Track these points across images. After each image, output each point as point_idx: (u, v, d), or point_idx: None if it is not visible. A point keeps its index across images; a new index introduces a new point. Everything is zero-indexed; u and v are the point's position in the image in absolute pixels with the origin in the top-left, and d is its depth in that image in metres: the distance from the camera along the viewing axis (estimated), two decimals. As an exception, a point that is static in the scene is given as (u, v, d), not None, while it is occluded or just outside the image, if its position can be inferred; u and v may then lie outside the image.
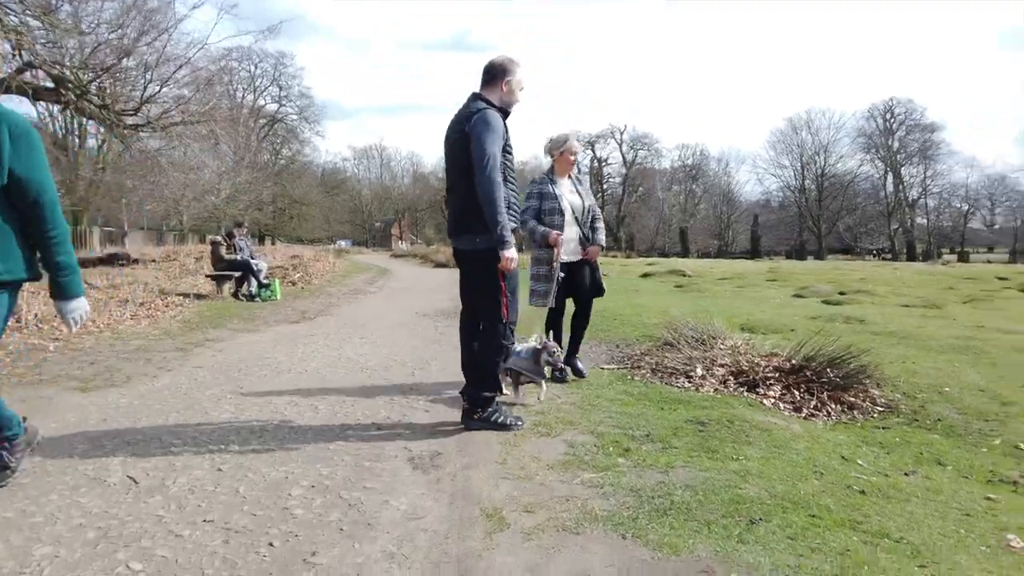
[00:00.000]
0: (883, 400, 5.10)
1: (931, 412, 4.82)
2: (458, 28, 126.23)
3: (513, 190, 3.97)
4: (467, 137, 3.76)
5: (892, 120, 70.75)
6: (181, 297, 11.46)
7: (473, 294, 4.08)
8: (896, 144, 70.43)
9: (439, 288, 15.59)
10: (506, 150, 3.88)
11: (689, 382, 5.49)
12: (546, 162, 5.79)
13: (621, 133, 75.89)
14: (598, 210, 5.58)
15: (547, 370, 4.77)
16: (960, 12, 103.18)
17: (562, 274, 5.22)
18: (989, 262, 51.97)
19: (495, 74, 3.95)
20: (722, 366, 5.68)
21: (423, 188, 78.15)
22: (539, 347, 4.60)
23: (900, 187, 70.24)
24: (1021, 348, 6.95)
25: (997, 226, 74.09)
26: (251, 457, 3.51)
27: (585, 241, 5.35)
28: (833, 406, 4.97)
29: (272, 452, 3.60)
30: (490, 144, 3.70)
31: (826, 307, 11.08)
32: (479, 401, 4.03)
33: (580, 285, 5.41)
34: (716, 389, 5.29)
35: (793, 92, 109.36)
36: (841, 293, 13.07)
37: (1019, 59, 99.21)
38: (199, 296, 12.29)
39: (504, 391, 4.59)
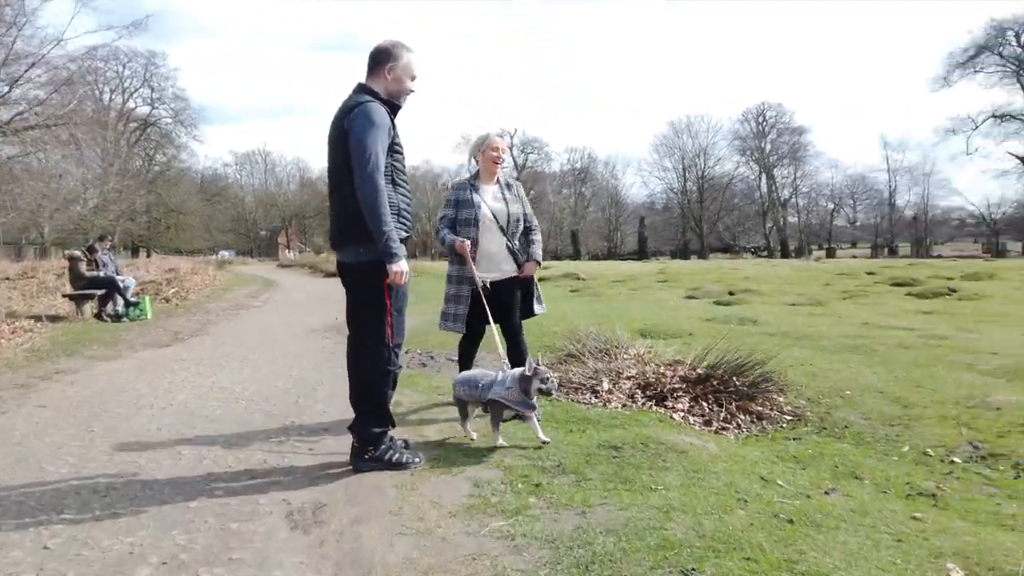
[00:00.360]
0: (789, 408, 5.01)
1: (837, 419, 4.76)
2: (347, 28, 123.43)
3: (404, 195, 3.53)
4: (346, 135, 3.30)
5: (764, 123, 74.78)
6: (32, 321, 10.21)
7: (357, 312, 3.61)
8: (768, 146, 74.49)
9: (329, 300, 14.82)
10: (394, 148, 3.43)
11: (596, 397, 5.22)
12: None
13: (512, 137, 76.46)
14: (534, 220, 4.88)
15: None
16: (826, 18, 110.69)
17: (485, 290, 4.45)
18: (855, 257, 55.83)
19: (379, 60, 3.49)
20: (629, 378, 5.45)
21: (311, 194, 75.53)
22: (528, 373, 3.77)
23: (773, 187, 74.31)
24: (907, 345, 7.15)
25: (859, 223, 79.69)
26: (90, 526, 2.90)
27: (515, 255, 4.68)
28: (742, 417, 4.83)
29: (117, 518, 3.00)
30: (372, 141, 3.25)
31: (718, 308, 11.24)
32: (369, 438, 3.55)
33: (508, 308, 4.65)
34: (624, 404, 5.04)
35: (675, 97, 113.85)
36: (730, 293, 13.35)
37: (877, 68, 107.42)
38: (55, 319, 11.04)
39: (467, 431, 4.03)
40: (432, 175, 73.64)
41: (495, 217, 4.65)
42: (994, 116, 58.85)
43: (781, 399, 5.12)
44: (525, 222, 4.79)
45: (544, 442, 3.87)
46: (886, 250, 70.02)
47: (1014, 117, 57.87)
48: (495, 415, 3.90)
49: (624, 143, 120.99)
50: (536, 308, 4.90)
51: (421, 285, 12.15)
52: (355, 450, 3.59)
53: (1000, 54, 57.56)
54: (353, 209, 3.33)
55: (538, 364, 3.81)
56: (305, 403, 5.21)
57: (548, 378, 3.82)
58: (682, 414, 4.89)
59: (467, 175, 4.90)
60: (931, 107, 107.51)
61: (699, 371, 5.45)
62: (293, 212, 77.14)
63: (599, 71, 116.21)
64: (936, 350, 6.80)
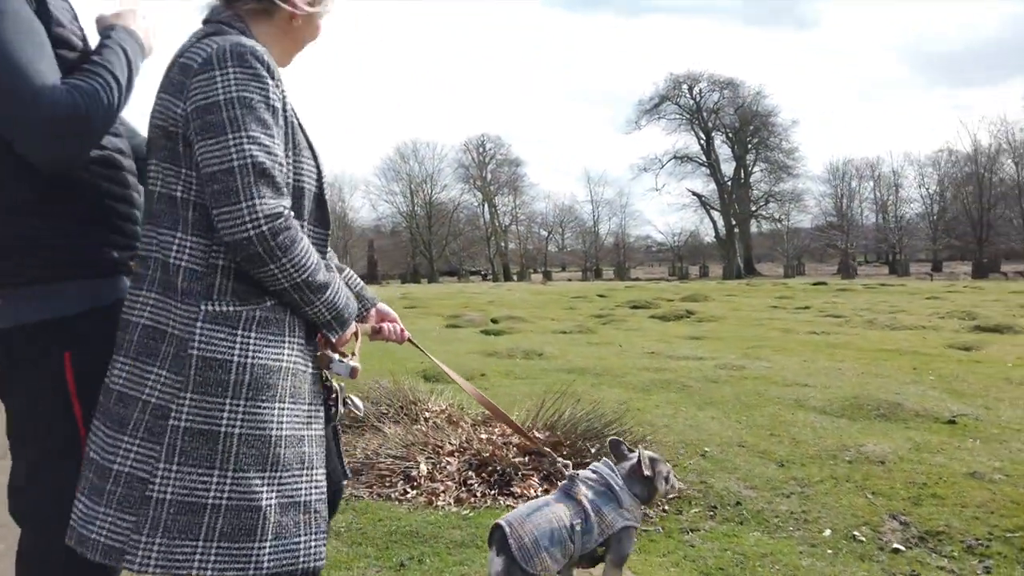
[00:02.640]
0: (663, 479, 3.94)
1: (720, 491, 3.78)
2: None
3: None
4: None
5: (484, 154, 77.91)
6: None
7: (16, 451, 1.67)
8: (489, 176, 77.68)
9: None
10: None
11: (414, 488, 3.69)
12: None
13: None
14: None
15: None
16: (533, 67, 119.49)
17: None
18: (569, 280, 59.92)
19: None
20: (452, 454, 4.00)
21: None
22: (646, 471, 2.30)
23: (495, 215, 77.58)
24: (713, 378, 6.64)
25: (568, 248, 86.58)
26: None
27: None
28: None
29: None
30: None
31: (491, 339, 10.22)
32: None
33: None
34: (458, 497, 3.58)
35: (399, 121, 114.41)
36: (494, 321, 12.49)
37: (582, 110, 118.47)
38: None
39: None
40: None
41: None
42: (675, 157, 67.69)
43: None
44: None
45: None
46: (592, 273, 76.72)
47: (690, 159, 67.15)
48: (621, 554, 2.24)
49: (350, 164, 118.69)
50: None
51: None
52: None
53: (678, 104, 66.56)
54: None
55: (649, 452, 2.36)
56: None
57: (667, 473, 2.38)
58: (535, 503, 3.57)
59: None
60: (626, 147, 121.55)
61: (540, 437, 4.18)
62: None
63: (321, 89, 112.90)
64: (746, 383, 6.34)
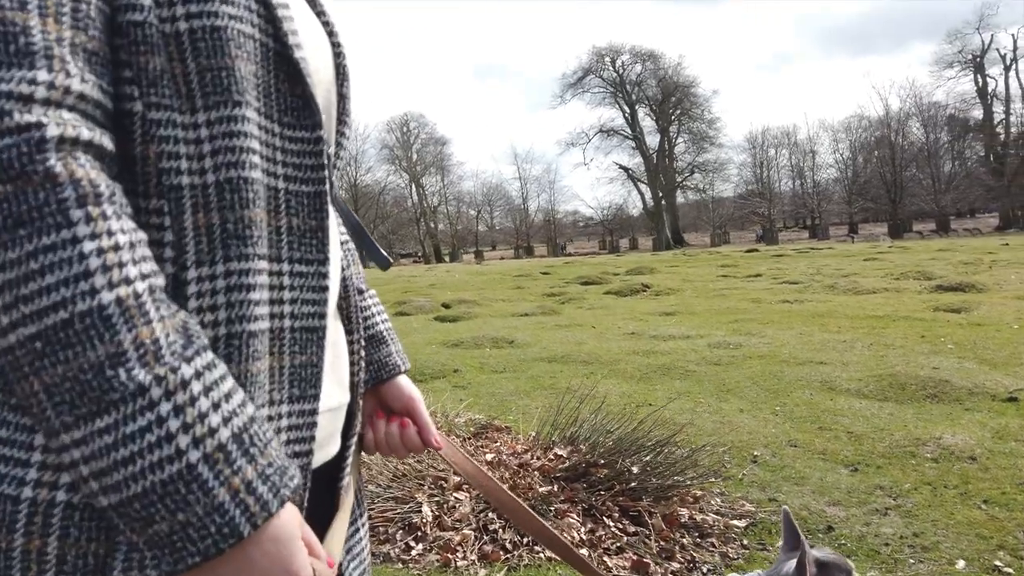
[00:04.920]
0: (727, 504, 3.16)
1: (802, 514, 3.04)
2: None
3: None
4: None
5: (409, 133, 75.99)
6: None
7: None
8: (415, 156, 75.89)
9: None
10: None
11: (419, 541, 2.80)
12: None
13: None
14: None
15: None
16: (452, 43, 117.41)
17: None
18: (502, 259, 59.17)
19: None
20: (461, 487, 3.12)
21: None
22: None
23: (423, 196, 75.95)
24: (714, 360, 5.95)
25: (499, 227, 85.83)
26: None
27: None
28: (680, 540, 2.84)
29: None
30: None
31: (451, 326, 9.31)
32: None
33: None
34: (483, 552, 2.71)
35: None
36: (445, 306, 11.56)
37: (491, 87, 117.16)
38: None
39: None
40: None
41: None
42: (601, 131, 67.61)
43: (699, 490, 3.25)
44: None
45: None
46: (524, 251, 76.27)
47: (616, 132, 67.14)
48: None
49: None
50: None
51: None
52: None
53: (601, 77, 66.28)
54: None
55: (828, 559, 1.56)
56: None
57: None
58: (585, 556, 2.74)
59: None
60: (552, 123, 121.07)
61: (562, 455, 3.35)
62: None
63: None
64: (753, 364, 5.68)
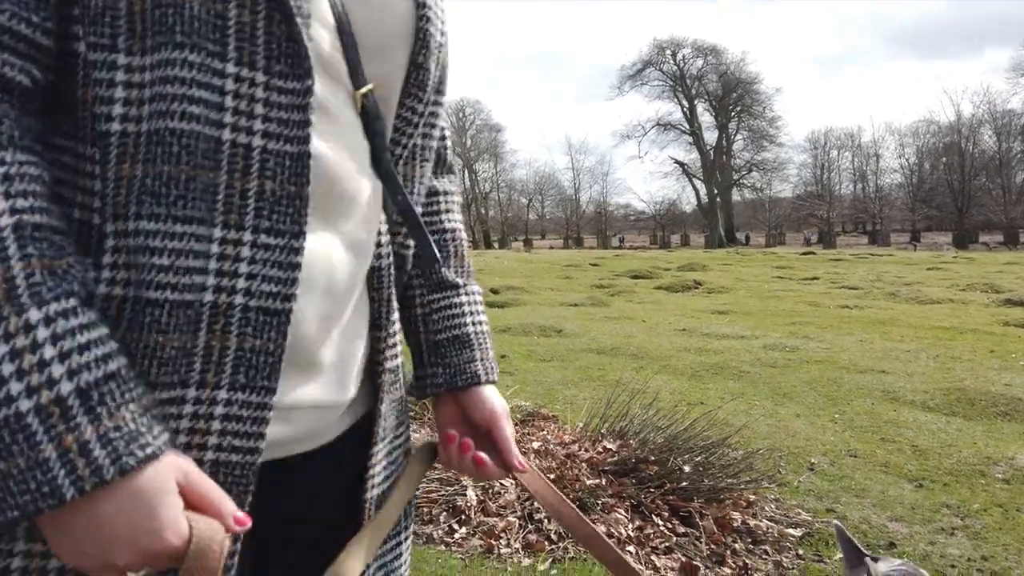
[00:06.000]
0: (782, 512, 3.04)
1: (861, 527, 2.91)
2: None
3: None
4: None
5: (464, 119, 76.19)
6: None
7: None
8: (469, 142, 76.07)
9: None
10: None
11: (462, 524, 2.76)
12: None
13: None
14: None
15: None
16: (512, 31, 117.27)
17: None
18: (551, 248, 59.03)
19: None
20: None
21: None
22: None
23: (475, 181, 76.19)
24: (769, 363, 5.78)
25: (549, 216, 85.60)
26: None
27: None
28: (731, 545, 2.73)
29: None
30: None
31: (498, 311, 9.27)
32: None
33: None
34: (527, 541, 2.65)
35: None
36: (494, 292, 11.53)
37: (550, 72, 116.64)
38: None
39: None
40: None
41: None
42: (658, 125, 66.71)
43: (752, 494, 3.13)
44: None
45: None
46: (573, 241, 75.90)
47: (673, 126, 66.16)
48: None
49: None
50: None
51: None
52: None
53: (661, 70, 65.28)
54: None
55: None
56: None
57: None
58: (624, 542, 2.66)
59: None
60: (608, 115, 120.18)
61: (611, 448, 3.26)
62: None
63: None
64: (811, 369, 5.49)
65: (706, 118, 64.81)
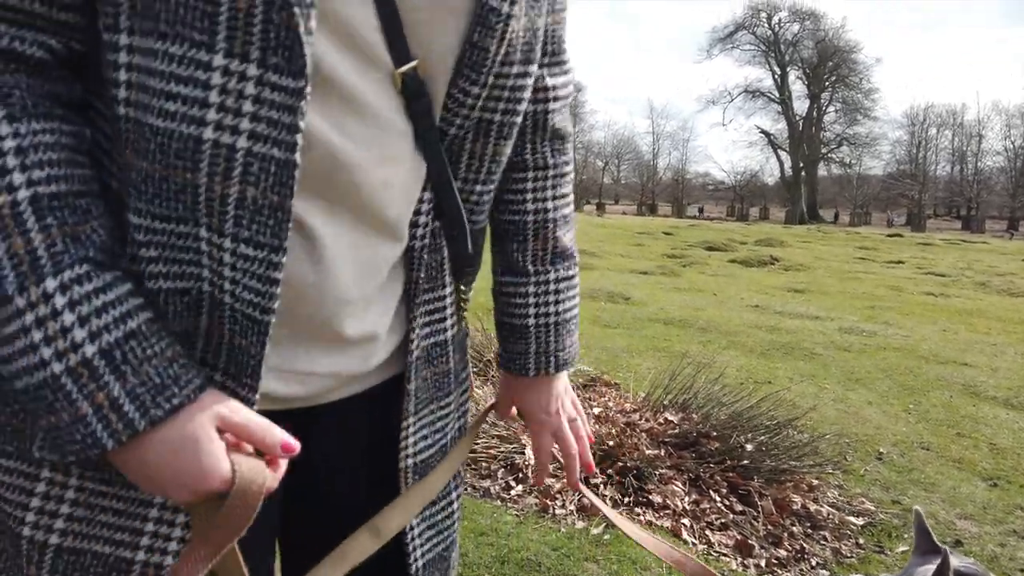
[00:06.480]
0: (844, 499, 2.98)
1: (929, 524, 2.82)
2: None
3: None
4: None
5: (546, 76, 75.17)
6: None
7: None
8: (548, 100, 75.17)
9: None
10: None
11: (519, 482, 2.81)
12: None
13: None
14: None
15: None
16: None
17: None
18: (624, 214, 58.23)
19: None
20: (565, 438, 3.11)
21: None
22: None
23: (551, 141, 75.48)
24: (842, 345, 5.61)
25: (624, 181, 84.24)
26: None
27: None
28: (788, 528, 2.70)
29: None
30: None
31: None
32: None
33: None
34: (582, 504, 2.69)
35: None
36: (563, 255, 11.50)
37: (639, 33, 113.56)
38: None
39: None
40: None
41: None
42: (747, 91, 64.37)
43: (815, 479, 3.07)
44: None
45: None
46: (647, 208, 74.64)
47: (762, 94, 63.69)
48: None
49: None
50: None
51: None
52: None
53: (754, 33, 62.62)
54: None
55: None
56: None
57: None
58: (677, 519, 2.66)
59: None
60: (693, 78, 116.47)
61: (672, 420, 3.25)
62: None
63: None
64: (887, 356, 5.30)
65: (797, 87, 62.18)
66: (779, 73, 61.61)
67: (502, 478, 2.84)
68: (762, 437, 3.09)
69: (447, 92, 0.67)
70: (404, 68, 0.62)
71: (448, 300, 0.79)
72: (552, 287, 0.87)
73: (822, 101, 60.77)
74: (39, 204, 0.52)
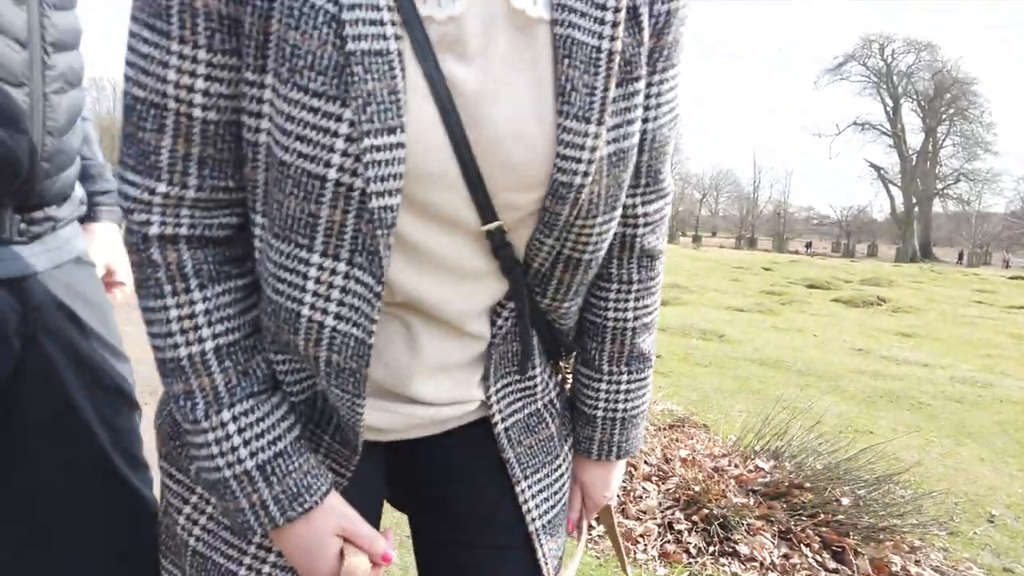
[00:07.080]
0: (949, 563, 2.79)
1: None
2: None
3: None
4: None
5: (644, 108, 74.92)
6: None
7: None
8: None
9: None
10: None
11: (600, 524, 2.79)
12: None
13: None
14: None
15: None
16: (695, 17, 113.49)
17: None
18: (721, 247, 56.91)
19: None
20: (650, 478, 3.05)
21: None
22: None
23: (648, 172, 74.89)
24: (955, 397, 5.26)
25: (722, 213, 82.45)
26: None
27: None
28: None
29: None
30: None
31: (661, 310, 9.13)
32: None
33: None
34: (665, 550, 2.63)
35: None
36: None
37: (751, 67, 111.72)
38: None
39: None
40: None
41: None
42: (855, 124, 61.95)
43: (918, 539, 2.89)
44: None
45: None
46: (746, 242, 72.64)
47: (872, 127, 61.12)
48: None
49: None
50: None
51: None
52: None
53: (865, 64, 60.36)
54: None
55: None
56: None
57: None
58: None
59: None
60: (798, 110, 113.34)
61: (763, 468, 3.14)
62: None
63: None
64: (1004, 409, 4.94)
65: (911, 119, 59.31)
66: (891, 105, 59.01)
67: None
68: (860, 491, 2.93)
69: (528, 240, 0.75)
70: (489, 227, 0.70)
71: (539, 378, 0.87)
72: (624, 387, 0.91)
73: (939, 135, 57.68)
74: (220, 352, 0.70)
